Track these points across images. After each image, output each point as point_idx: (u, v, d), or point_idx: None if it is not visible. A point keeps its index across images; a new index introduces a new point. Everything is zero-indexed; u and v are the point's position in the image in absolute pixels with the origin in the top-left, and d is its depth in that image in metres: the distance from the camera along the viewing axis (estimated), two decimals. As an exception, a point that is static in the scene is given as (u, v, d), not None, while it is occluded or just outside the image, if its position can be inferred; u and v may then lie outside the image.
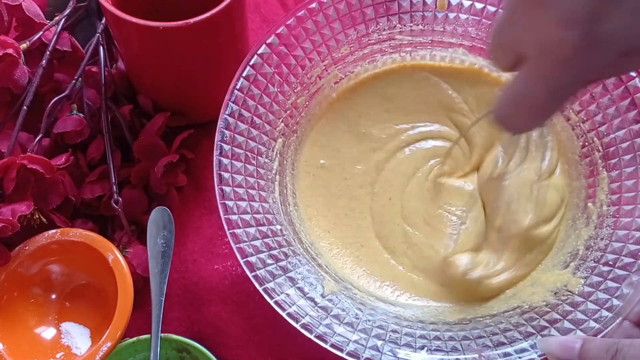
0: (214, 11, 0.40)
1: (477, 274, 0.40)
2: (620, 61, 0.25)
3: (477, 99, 0.47)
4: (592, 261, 0.39)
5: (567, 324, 0.36)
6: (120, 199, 0.43)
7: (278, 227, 0.40)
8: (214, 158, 0.39)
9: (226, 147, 0.40)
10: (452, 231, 0.43)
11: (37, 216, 0.41)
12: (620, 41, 0.24)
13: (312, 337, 0.35)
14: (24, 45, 0.43)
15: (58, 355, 0.40)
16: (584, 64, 0.24)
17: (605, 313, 0.35)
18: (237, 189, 0.39)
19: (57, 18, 0.45)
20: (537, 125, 0.29)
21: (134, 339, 0.40)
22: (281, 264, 0.38)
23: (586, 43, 0.24)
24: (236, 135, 0.40)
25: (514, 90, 0.27)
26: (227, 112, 0.40)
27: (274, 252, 0.38)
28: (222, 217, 0.38)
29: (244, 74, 0.41)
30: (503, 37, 0.27)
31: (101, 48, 0.46)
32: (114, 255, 0.40)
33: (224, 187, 0.39)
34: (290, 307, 0.36)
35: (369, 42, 0.46)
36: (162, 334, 0.40)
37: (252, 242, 0.38)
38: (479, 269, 0.40)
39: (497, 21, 0.28)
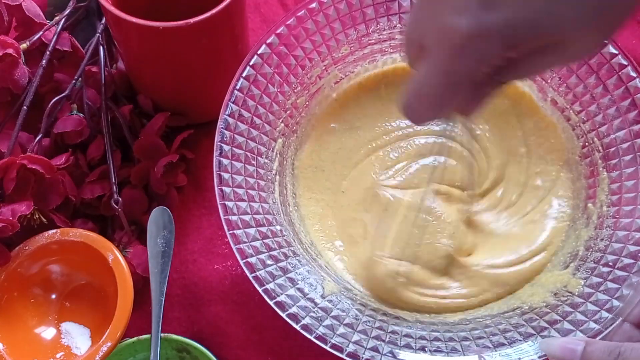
0: (214, 11, 0.40)
1: (402, 279, 0.40)
2: (510, 54, 0.25)
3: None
4: (592, 262, 0.39)
5: (567, 325, 0.36)
6: (120, 199, 0.43)
7: (278, 227, 0.40)
8: (214, 159, 0.39)
9: (226, 147, 0.40)
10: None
11: (37, 216, 0.41)
12: (507, 32, 0.24)
13: (312, 338, 0.35)
14: (24, 45, 0.43)
15: (58, 355, 0.40)
16: (474, 54, 0.24)
17: (605, 314, 0.35)
18: (237, 190, 0.39)
19: (57, 18, 0.45)
20: (437, 116, 0.29)
21: (134, 339, 0.40)
22: (281, 264, 0.38)
23: (475, 31, 0.24)
24: (236, 136, 0.40)
25: (415, 80, 0.27)
26: (227, 113, 0.40)
27: (274, 252, 0.38)
28: (222, 218, 0.38)
29: (243, 74, 0.41)
30: (411, 30, 0.28)
31: (101, 48, 0.46)
32: (114, 255, 0.40)
33: (223, 188, 0.39)
34: (290, 308, 0.36)
35: (369, 42, 0.46)
36: (162, 334, 0.40)
37: (252, 243, 0.38)
38: (403, 276, 0.40)
39: (408, 16, 0.28)
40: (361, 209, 0.44)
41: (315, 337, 0.35)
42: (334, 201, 0.45)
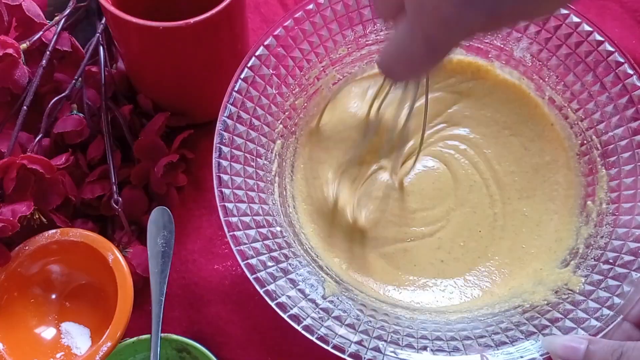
0: (214, 11, 0.40)
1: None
2: (490, 23, 0.25)
3: (476, 102, 0.47)
4: (593, 259, 0.39)
5: (568, 323, 0.36)
6: (120, 199, 0.43)
7: (278, 228, 0.40)
8: (213, 160, 0.39)
9: (225, 149, 0.40)
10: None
11: (37, 216, 0.41)
12: (493, 2, 0.24)
13: (313, 338, 0.35)
14: (24, 45, 0.43)
15: (58, 355, 0.40)
16: (461, 22, 0.25)
17: (606, 311, 0.35)
18: (236, 191, 0.39)
19: (57, 18, 0.45)
20: (415, 75, 0.31)
21: (134, 339, 0.40)
22: (282, 265, 0.38)
23: (462, 2, 0.24)
24: (235, 137, 0.40)
25: (395, 41, 0.28)
26: (225, 114, 0.40)
27: (275, 254, 0.38)
28: (222, 219, 0.38)
29: (242, 76, 0.41)
30: None
31: (101, 48, 0.46)
32: (114, 255, 0.40)
33: (223, 190, 0.39)
34: (291, 309, 0.36)
35: (367, 42, 0.46)
36: (162, 334, 0.40)
37: (253, 244, 0.38)
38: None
39: None
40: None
41: (317, 338, 0.35)
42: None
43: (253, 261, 0.37)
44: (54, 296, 0.42)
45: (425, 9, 0.25)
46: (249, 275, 0.37)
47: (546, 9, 0.27)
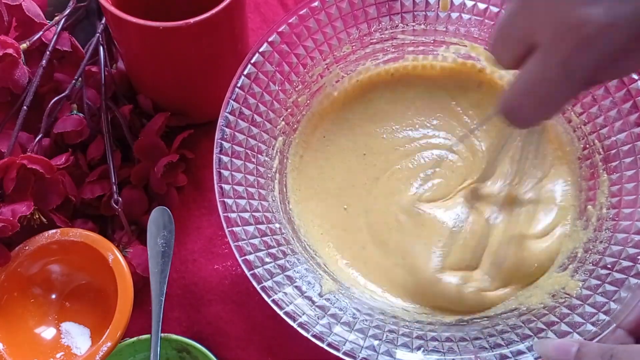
0: (214, 11, 0.40)
1: (472, 288, 0.40)
2: (632, 48, 0.25)
3: (478, 102, 0.46)
4: (591, 264, 0.39)
5: (564, 327, 0.36)
6: (120, 199, 0.43)
7: (277, 225, 0.40)
8: (214, 156, 0.39)
9: (226, 144, 0.40)
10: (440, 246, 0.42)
11: (37, 216, 0.41)
12: (637, 23, 0.24)
13: (309, 336, 0.35)
14: (24, 45, 0.43)
15: (58, 355, 0.40)
16: (602, 44, 0.25)
17: (602, 316, 0.35)
18: (236, 187, 0.39)
19: (57, 18, 0.45)
20: (545, 115, 0.29)
21: (134, 339, 0.40)
22: (279, 262, 0.38)
23: (611, 20, 0.24)
24: (236, 133, 0.40)
25: (524, 79, 0.27)
26: (227, 110, 0.40)
27: (273, 250, 0.38)
28: (221, 215, 0.38)
29: (245, 72, 0.41)
30: (512, 28, 0.27)
31: (101, 48, 0.46)
32: (114, 255, 0.40)
33: (223, 185, 0.39)
34: (287, 305, 0.36)
35: (371, 41, 0.45)
36: (162, 334, 0.40)
37: (251, 240, 0.38)
38: (473, 284, 0.40)
39: (505, 14, 0.28)
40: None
41: (312, 335, 0.35)
42: (331, 200, 0.44)
43: (251, 257, 0.37)
44: (54, 296, 0.42)
45: (565, 33, 0.25)
46: (246, 271, 0.37)
47: None
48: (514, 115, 0.28)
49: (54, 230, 0.41)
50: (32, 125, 0.43)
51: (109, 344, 0.37)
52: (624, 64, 0.26)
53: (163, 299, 0.40)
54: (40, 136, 0.43)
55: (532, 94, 0.27)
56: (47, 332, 0.41)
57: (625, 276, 0.36)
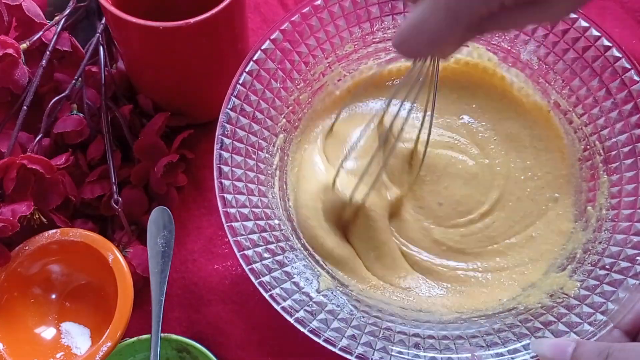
0: (214, 11, 0.40)
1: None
2: (513, 5, 0.26)
3: (478, 102, 0.46)
4: (590, 265, 0.39)
5: (561, 327, 0.36)
6: (120, 199, 0.43)
7: (276, 222, 0.40)
8: (215, 151, 0.39)
9: (227, 140, 0.40)
10: None
11: (37, 216, 0.41)
12: None
13: (305, 331, 0.35)
14: (24, 45, 0.43)
15: (58, 355, 0.40)
16: None
17: (599, 316, 0.36)
18: (236, 183, 0.39)
19: (57, 18, 0.45)
20: (430, 52, 0.30)
21: (134, 339, 0.40)
22: (278, 258, 0.38)
23: None
24: (237, 130, 0.40)
25: (413, 16, 0.28)
26: (229, 106, 0.40)
27: (271, 246, 0.38)
28: (221, 210, 0.38)
29: (247, 69, 0.41)
30: None
31: (101, 48, 0.46)
32: (114, 255, 0.40)
33: (223, 181, 0.39)
34: (284, 301, 0.36)
35: (374, 40, 0.46)
36: (162, 334, 0.40)
37: (250, 236, 0.38)
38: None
39: None
40: None
41: (309, 331, 0.35)
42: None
43: (249, 252, 0.37)
44: (54, 296, 0.42)
45: None
46: (244, 266, 0.37)
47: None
48: (403, 47, 0.29)
49: (54, 230, 0.41)
50: (32, 125, 0.43)
51: (109, 344, 0.37)
52: (506, 20, 0.27)
53: (163, 299, 0.40)
54: (40, 136, 0.43)
55: (418, 30, 0.28)
56: (47, 332, 0.41)
57: (624, 277, 0.37)
